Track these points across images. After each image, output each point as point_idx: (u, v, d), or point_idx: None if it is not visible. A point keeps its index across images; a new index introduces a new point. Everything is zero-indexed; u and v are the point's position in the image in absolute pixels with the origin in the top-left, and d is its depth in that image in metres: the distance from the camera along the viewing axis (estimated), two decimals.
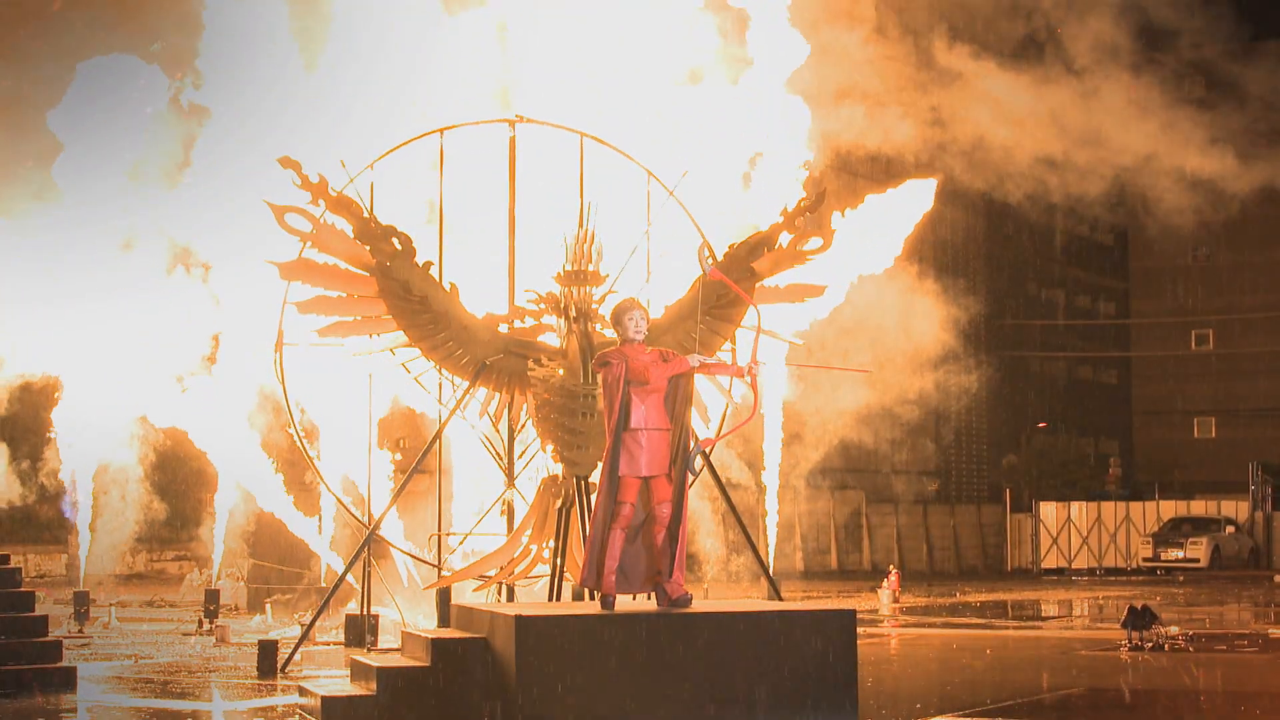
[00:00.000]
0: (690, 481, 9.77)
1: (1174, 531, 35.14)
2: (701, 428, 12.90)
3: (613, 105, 16.83)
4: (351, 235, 12.04)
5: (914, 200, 17.69)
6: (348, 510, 15.28)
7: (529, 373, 11.97)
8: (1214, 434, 52.24)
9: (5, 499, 22.03)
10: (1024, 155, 31.45)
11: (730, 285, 10.63)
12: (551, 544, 11.96)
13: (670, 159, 15.69)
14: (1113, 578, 33.16)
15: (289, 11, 17.96)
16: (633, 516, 9.44)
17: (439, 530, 14.92)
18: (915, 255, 40.66)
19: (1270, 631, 17.30)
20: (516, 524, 13.43)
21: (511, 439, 14.00)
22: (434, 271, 12.43)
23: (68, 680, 11.50)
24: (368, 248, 11.99)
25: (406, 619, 15.40)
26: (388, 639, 14.90)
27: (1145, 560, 34.76)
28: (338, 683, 10.96)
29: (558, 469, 11.99)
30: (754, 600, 12.78)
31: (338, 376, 14.85)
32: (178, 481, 25.90)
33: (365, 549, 14.13)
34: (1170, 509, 37.69)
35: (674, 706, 9.00)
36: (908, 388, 38.45)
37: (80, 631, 16.92)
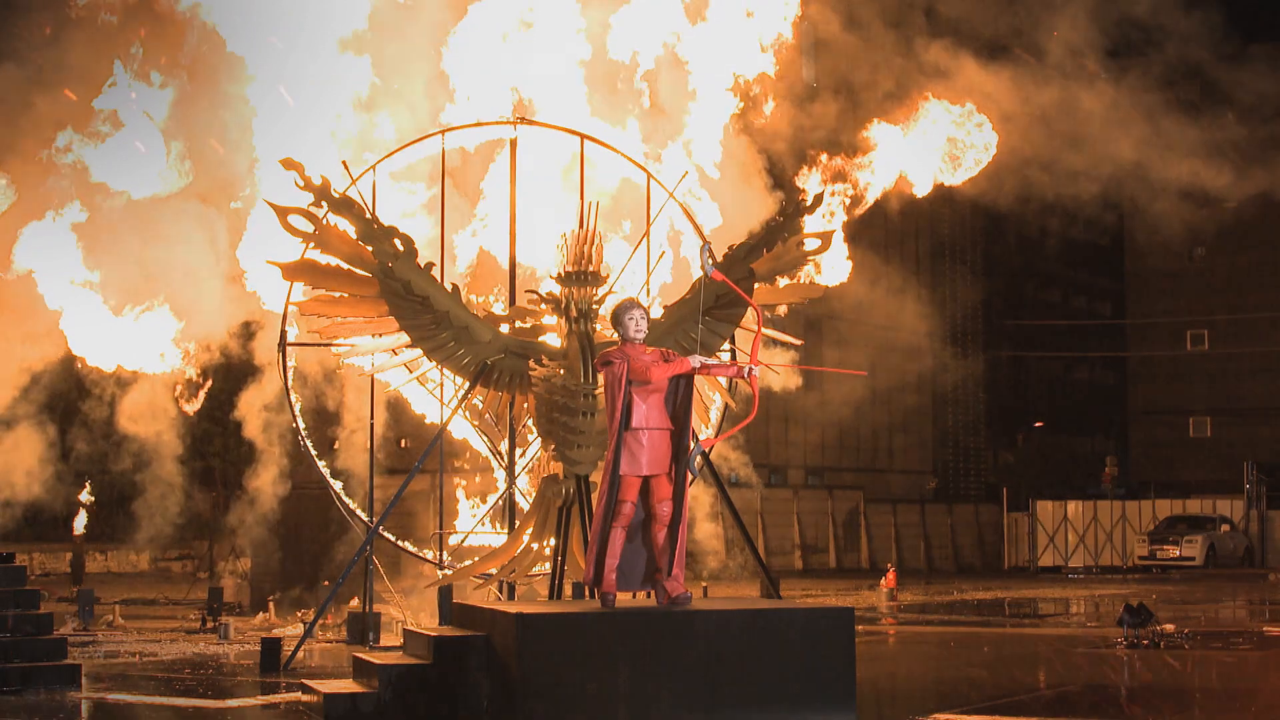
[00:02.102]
0: (690, 480, 9.87)
1: (1170, 530, 35.25)
2: (701, 427, 13.00)
3: (611, 106, 16.93)
4: (354, 236, 12.12)
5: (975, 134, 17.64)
6: (348, 509, 15.38)
7: (530, 373, 12.06)
8: (1209, 434, 52.36)
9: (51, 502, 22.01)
10: (1020, 157, 31.52)
11: (731, 286, 10.73)
12: (552, 542, 12.06)
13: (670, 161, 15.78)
14: (1109, 576, 33.26)
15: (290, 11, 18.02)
16: (633, 515, 9.54)
17: (440, 529, 15.02)
18: (912, 255, 40.91)
19: (1265, 629, 17.41)
20: (517, 523, 13.54)
21: (512, 438, 14.10)
22: (435, 272, 12.52)
23: (72, 677, 11.58)
24: (370, 248, 12.07)
25: (408, 617, 15.50)
26: (390, 637, 15.00)
27: (1141, 558, 34.87)
28: (340, 680, 11.04)
29: (559, 468, 12.08)
30: (753, 598, 12.87)
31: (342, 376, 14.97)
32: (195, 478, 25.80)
33: (367, 548, 14.22)
34: (1166, 508, 37.82)
35: (673, 704, 9.08)
36: (906, 387, 38.62)
37: (85, 629, 17.00)
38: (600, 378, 9.97)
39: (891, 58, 29.25)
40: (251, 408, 18.43)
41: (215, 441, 24.36)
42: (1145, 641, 15.11)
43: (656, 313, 12.94)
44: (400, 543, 15.49)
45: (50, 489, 19.32)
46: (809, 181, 17.11)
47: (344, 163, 13.73)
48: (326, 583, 16.83)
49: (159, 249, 16.48)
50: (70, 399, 20.21)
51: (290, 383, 14.41)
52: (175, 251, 16.51)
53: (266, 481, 18.81)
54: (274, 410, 17.62)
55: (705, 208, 16.17)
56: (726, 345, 13.73)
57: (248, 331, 17.78)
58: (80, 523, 24.13)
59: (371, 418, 14.98)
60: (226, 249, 16.18)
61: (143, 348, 16.93)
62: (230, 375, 19.73)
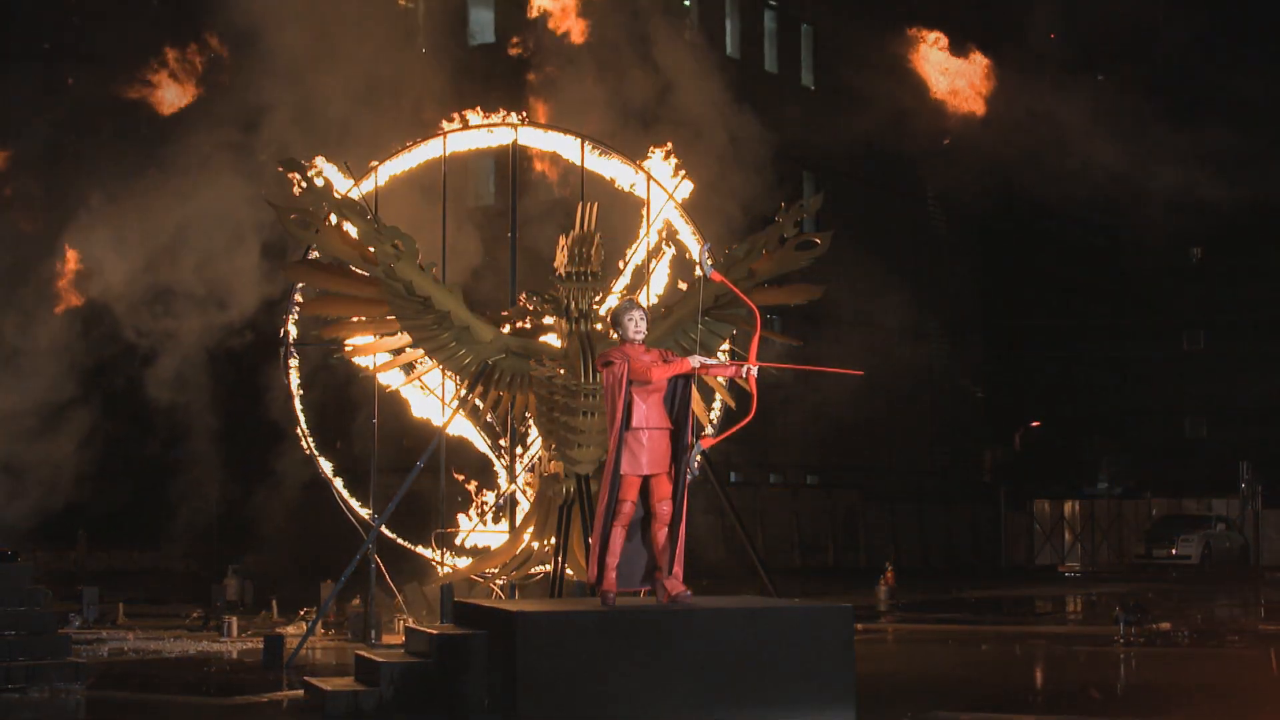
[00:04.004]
0: (689, 480, 9.95)
1: (1166, 529, 35.36)
2: (701, 427, 13.08)
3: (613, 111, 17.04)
4: (355, 237, 12.18)
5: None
6: (348, 507, 15.46)
7: (531, 373, 12.13)
8: (1205, 434, 52.51)
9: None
10: (1017, 157, 31.58)
11: (730, 287, 10.80)
12: (553, 541, 12.14)
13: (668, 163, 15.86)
14: (1106, 575, 33.38)
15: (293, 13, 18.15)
16: (633, 514, 9.64)
17: (441, 528, 15.10)
18: (911, 255, 40.97)
19: (1261, 627, 17.51)
20: (518, 522, 13.62)
21: (513, 438, 14.19)
22: (435, 272, 12.59)
23: (76, 675, 11.65)
24: (372, 249, 12.13)
25: (410, 615, 15.59)
26: (391, 635, 15.08)
27: (1138, 557, 34.99)
28: (342, 678, 11.11)
29: (559, 467, 12.16)
30: (752, 597, 12.94)
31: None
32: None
33: (369, 546, 14.30)
34: (1162, 507, 37.96)
35: (673, 702, 9.14)
36: (904, 387, 38.69)
37: (89, 627, 17.10)
38: (601, 377, 10.05)
39: (888, 60, 29.34)
40: (278, 386, 18.38)
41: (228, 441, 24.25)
42: (1142, 639, 15.22)
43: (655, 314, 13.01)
44: (402, 540, 15.58)
45: (92, 488, 19.33)
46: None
47: (346, 163, 13.81)
48: (329, 581, 16.91)
49: (190, 208, 16.53)
50: (99, 379, 20.11)
51: (294, 382, 14.50)
52: (207, 212, 16.55)
53: (292, 464, 18.69)
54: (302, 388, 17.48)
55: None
56: (725, 345, 13.80)
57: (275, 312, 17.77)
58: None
59: (376, 416, 15.04)
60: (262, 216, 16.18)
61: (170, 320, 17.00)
62: (257, 353, 19.61)
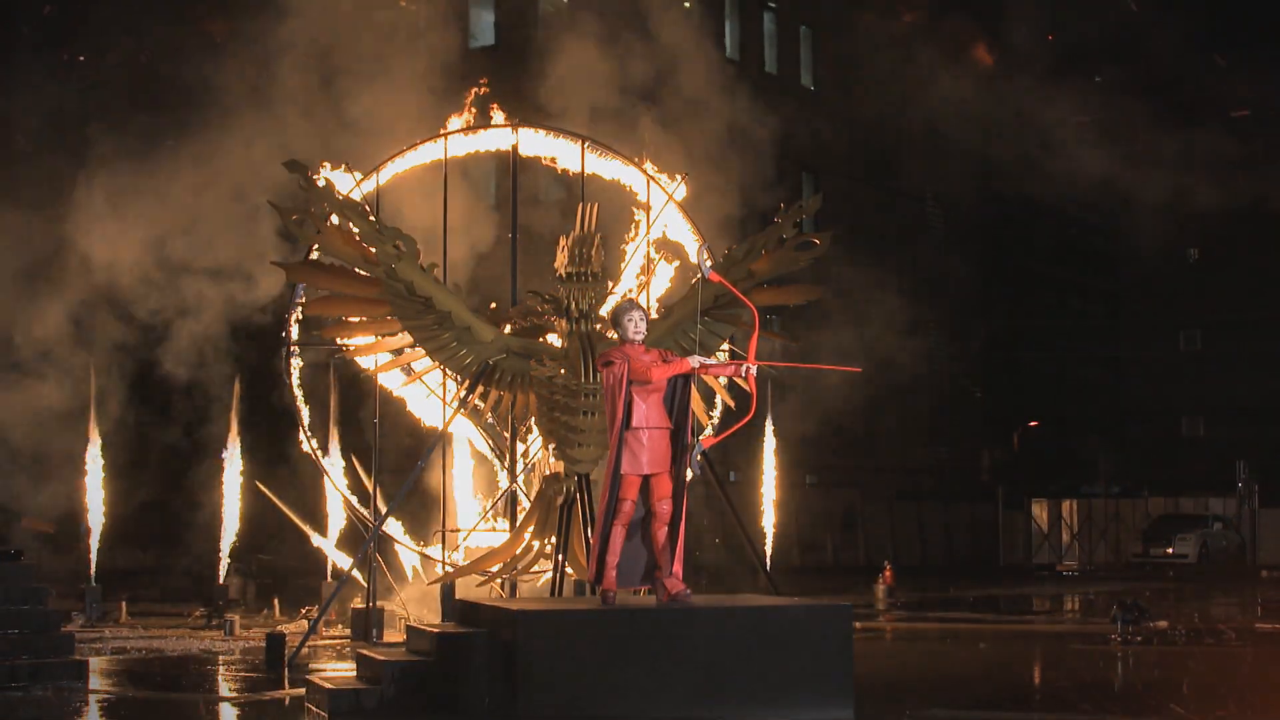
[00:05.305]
0: (689, 479, 10.01)
1: (1163, 528, 35.44)
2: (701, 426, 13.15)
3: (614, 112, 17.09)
4: (357, 238, 12.23)
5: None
6: (351, 507, 15.51)
7: (532, 373, 12.19)
8: (1202, 433, 52.57)
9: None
10: (1015, 158, 31.68)
11: (728, 287, 10.86)
12: (554, 540, 12.20)
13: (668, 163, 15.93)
14: (1103, 574, 33.45)
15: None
16: (633, 513, 9.70)
17: (443, 527, 15.16)
18: (910, 254, 41.05)
19: (1257, 625, 17.58)
20: (519, 521, 13.68)
21: (513, 438, 14.25)
22: (437, 273, 12.64)
23: (79, 673, 11.72)
24: (373, 250, 12.18)
25: (411, 613, 15.65)
26: (393, 634, 15.14)
27: (1135, 556, 35.07)
28: (344, 675, 11.18)
29: (560, 466, 12.22)
30: (751, 595, 13.00)
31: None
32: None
33: (370, 545, 14.36)
34: (1159, 506, 38.04)
35: (673, 700, 9.20)
36: (903, 386, 38.76)
37: (92, 626, 17.16)
38: (601, 377, 10.12)
39: (893, 62, 29.42)
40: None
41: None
42: (1139, 638, 15.28)
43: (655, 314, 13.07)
44: (404, 537, 15.64)
45: (117, 482, 19.34)
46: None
47: (346, 165, 13.88)
48: (330, 580, 16.97)
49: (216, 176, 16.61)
50: (117, 365, 20.12)
51: (296, 383, 14.57)
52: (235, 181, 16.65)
53: (303, 458, 18.71)
54: (318, 372, 17.34)
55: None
56: (725, 345, 13.87)
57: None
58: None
59: (377, 416, 15.10)
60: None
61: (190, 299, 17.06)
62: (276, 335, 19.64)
